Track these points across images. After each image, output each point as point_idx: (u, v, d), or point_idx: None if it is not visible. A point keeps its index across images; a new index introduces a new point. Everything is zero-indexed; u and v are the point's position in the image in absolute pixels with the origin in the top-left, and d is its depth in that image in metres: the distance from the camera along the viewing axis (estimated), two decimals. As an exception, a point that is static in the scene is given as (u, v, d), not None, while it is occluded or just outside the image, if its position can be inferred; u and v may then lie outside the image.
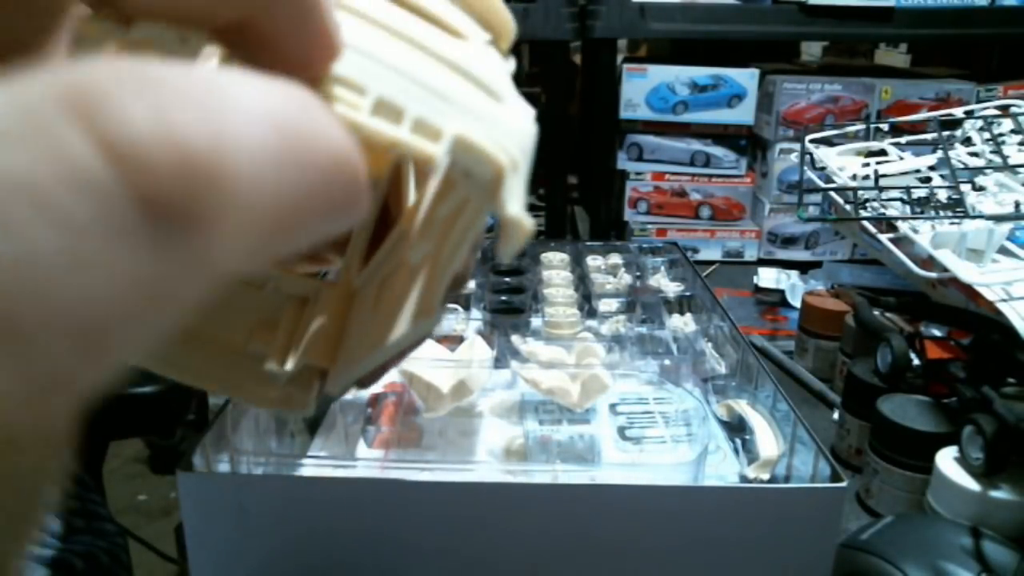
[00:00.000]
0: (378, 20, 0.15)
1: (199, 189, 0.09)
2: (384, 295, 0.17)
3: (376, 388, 0.57)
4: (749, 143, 1.18)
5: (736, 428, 0.55)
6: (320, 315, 0.17)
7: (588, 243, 0.93)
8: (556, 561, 0.43)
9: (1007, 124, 0.65)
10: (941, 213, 0.58)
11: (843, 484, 0.41)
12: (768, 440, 0.51)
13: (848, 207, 0.61)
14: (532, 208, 1.39)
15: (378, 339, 0.15)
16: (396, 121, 0.14)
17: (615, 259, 0.86)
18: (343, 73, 0.14)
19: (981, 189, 0.60)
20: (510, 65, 0.17)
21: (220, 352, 0.17)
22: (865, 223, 0.59)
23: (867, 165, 0.65)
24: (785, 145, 1.13)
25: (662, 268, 0.86)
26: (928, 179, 0.63)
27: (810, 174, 0.66)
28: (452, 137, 0.14)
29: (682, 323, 0.72)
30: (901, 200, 0.61)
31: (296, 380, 0.17)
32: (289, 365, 0.16)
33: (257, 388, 0.17)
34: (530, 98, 0.16)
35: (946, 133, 0.66)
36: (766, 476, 0.50)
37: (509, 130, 0.15)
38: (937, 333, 0.65)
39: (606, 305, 0.75)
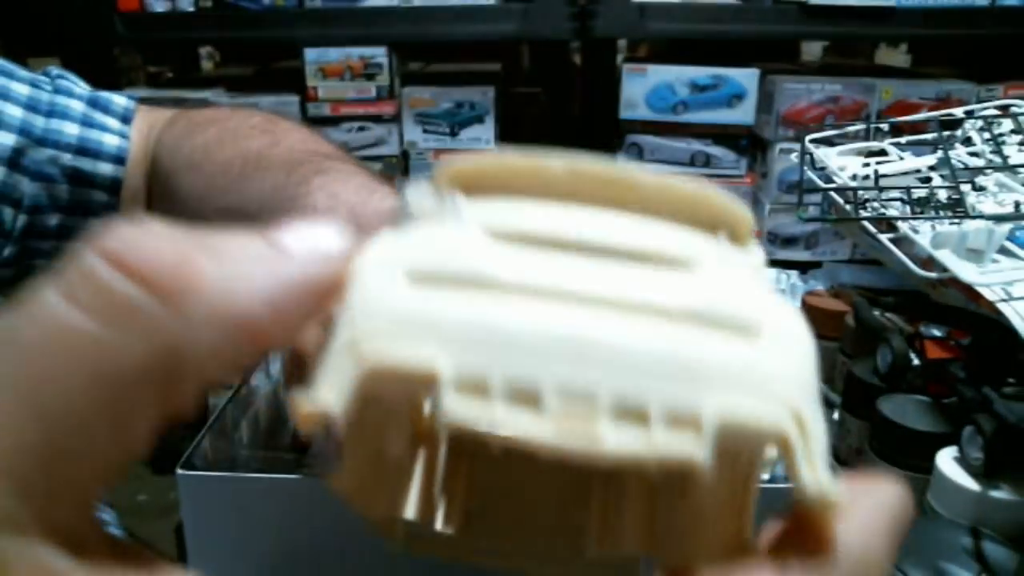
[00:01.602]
0: (570, 289, 0.12)
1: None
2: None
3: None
4: (749, 143, 1.18)
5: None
6: (630, 496, 0.14)
7: (588, 243, 0.93)
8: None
9: (1007, 124, 0.65)
10: (941, 213, 0.58)
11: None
12: (768, 440, 0.51)
13: (848, 207, 0.61)
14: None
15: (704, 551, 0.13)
16: (642, 424, 0.11)
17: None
18: (563, 378, 0.11)
19: (981, 189, 0.60)
20: (755, 256, 0.14)
21: (530, 531, 0.14)
22: (865, 223, 0.59)
23: (867, 165, 0.65)
24: (785, 145, 1.13)
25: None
26: (928, 179, 0.63)
27: (810, 174, 0.66)
28: (712, 426, 0.11)
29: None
30: (901, 200, 0.61)
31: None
32: (610, 547, 0.13)
33: (573, 567, 0.15)
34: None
35: (946, 133, 0.66)
36: (766, 476, 0.50)
37: (778, 374, 0.12)
38: (937, 333, 0.65)
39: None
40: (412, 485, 0.12)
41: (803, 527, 0.13)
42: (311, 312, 0.12)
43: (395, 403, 0.12)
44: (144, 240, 0.11)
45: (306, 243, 0.13)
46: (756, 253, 0.15)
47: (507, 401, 0.11)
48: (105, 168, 0.43)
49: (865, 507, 0.13)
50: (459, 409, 0.11)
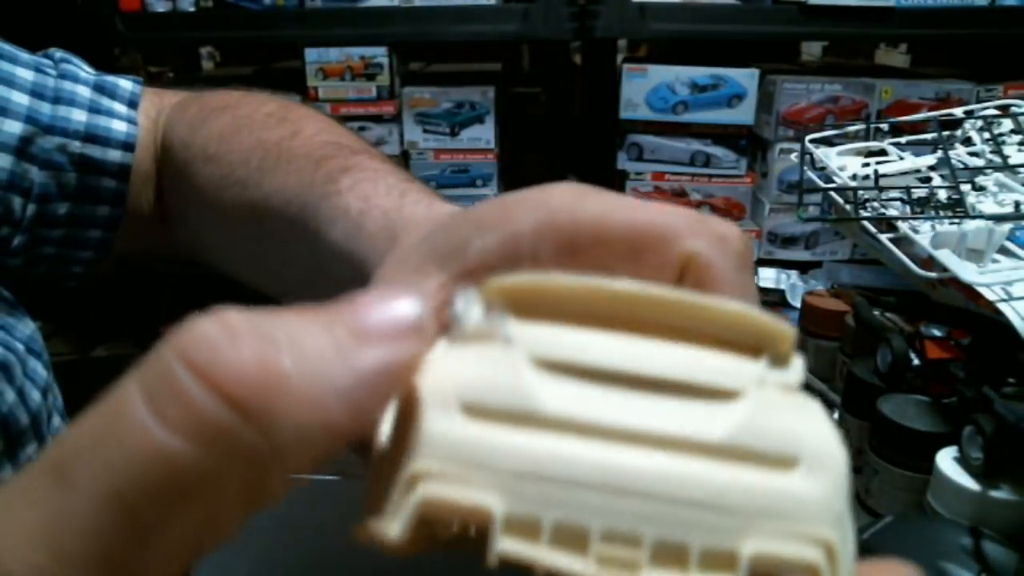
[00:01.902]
0: (617, 426, 0.13)
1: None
2: None
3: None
4: (749, 143, 1.18)
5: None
6: None
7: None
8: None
9: (1007, 124, 0.65)
10: (941, 213, 0.58)
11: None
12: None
13: (848, 207, 0.61)
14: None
15: None
16: (682, 566, 0.12)
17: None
18: (607, 520, 0.12)
19: (981, 189, 0.60)
20: (794, 372, 0.15)
21: None
22: (865, 223, 0.59)
23: (867, 165, 0.65)
24: (785, 145, 1.13)
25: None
26: (928, 179, 0.63)
27: (810, 174, 0.66)
28: (747, 564, 0.12)
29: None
30: (901, 200, 0.61)
31: None
32: None
33: None
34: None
35: (946, 133, 0.66)
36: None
37: (812, 505, 0.13)
38: (937, 333, 0.65)
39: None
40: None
41: None
42: (389, 396, 0.13)
43: (450, 524, 0.13)
44: (228, 349, 0.11)
45: (384, 325, 0.13)
46: (796, 368, 0.15)
47: (554, 541, 0.12)
48: (114, 155, 0.43)
49: None
50: (509, 547, 0.12)
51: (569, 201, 0.21)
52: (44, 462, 0.12)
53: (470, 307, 0.15)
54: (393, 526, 0.12)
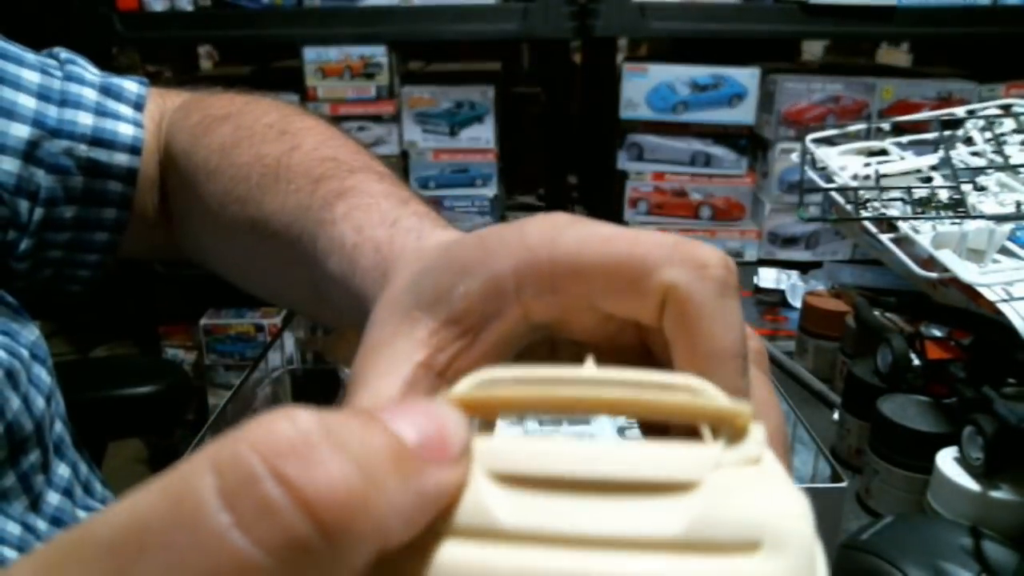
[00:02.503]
0: (583, 532, 0.13)
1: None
2: None
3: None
4: (749, 143, 1.18)
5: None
6: None
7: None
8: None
9: (1009, 124, 0.65)
10: (942, 213, 0.58)
11: (843, 484, 0.41)
12: (768, 440, 0.51)
13: (849, 207, 0.61)
14: (532, 208, 1.39)
15: None
16: None
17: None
18: None
19: (982, 189, 0.60)
20: (752, 444, 0.15)
21: None
22: (866, 223, 0.59)
23: (868, 165, 0.65)
24: (786, 145, 1.13)
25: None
26: (929, 179, 0.63)
27: (811, 174, 0.66)
28: None
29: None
30: (902, 200, 0.61)
31: None
32: None
33: None
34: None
35: (947, 133, 0.66)
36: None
37: None
38: (937, 333, 0.65)
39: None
40: None
41: None
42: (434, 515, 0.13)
43: None
44: (318, 464, 0.11)
45: (435, 445, 0.13)
46: (755, 439, 0.15)
47: None
48: (121, 158, 0.43)
49: None
50: None
51: (547, 238, 0.20)
52: (96, 543, 0.11)
53: None
54: None
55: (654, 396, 0.15)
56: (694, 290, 0.19)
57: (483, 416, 0.16)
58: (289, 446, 0.11)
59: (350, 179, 0.32)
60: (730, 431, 0.15)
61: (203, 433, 0.44)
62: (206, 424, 0.45)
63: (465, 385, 0.16)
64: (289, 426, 0.11)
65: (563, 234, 0.20)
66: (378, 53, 1.19)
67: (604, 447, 0.14)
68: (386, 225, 0.28)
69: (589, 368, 0.17)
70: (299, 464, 0.11)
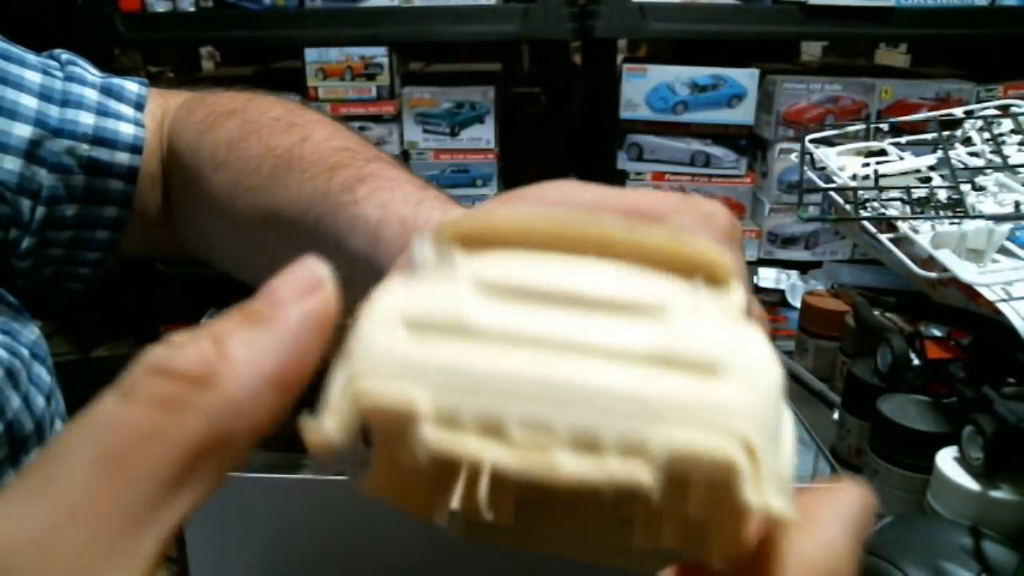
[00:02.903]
0: (544, 335, 0.13)
1: None
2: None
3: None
4: (749, 143, 1.18)
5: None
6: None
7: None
8: (556, 561, 0.43)
9: (1007, 124, 0.65)
10: (941, 213, 0.58)
11: (843, 484, 0.41)
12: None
13: (848, 207, 0.61)
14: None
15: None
16: (595, 453, 0.13)
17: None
18: (526, 414, 0.13)
19: (981, 189, 0.60)
20: (733, 298, 0.15)
21: (581, 521, 0.16)
22: (865, 223, 0.59)
23: (867, 165, 0.65)
24: (785, 145, 1.13)
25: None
26: (928, 179, 0.63)
27: (810, 174, 0.66)
28: (659, 455, 0.12)
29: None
30: (901, 200, 0.61)
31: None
32: (652, 542, 0.15)
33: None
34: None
35: (946, 133, 0.66)
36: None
37: (731, 408, 0.13)
38: (937, 333, 0.65)
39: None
40: (458, 479, 0.13)
41: (762, 548, 0.14)
42: (322, 340, 0.14)
43: (394, 429, 0.13)
44: (176, 349, 0.14)
45: (294, 286, 0.15)
46: (735, 294, 0.15)
47: (477, 433, 0.13)
48: (122, 157, 0.43)
49: (825, 519, 0.14)
50: (433, 436, 0.13)
51: (566, 193, 0.22)
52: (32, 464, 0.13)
53: (423, 247, 0.16)
54: (330, 422, 0.13)
55: (647, 232, 0.15)
56: (702, 234, 0.21)
57: (477, 244, 0.16)
58: (157, 351, 0.14)
59: (368, 167, 0.33)
60: (711, 278, 0.15)
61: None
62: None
63: (457, 218, 0.16)
64: (160, 345, 0.14)
65: (580, 190, 0.22)
66: (379, 54, 1.19)
67: (589, 269, 0.15)
68: (411, 203, 0.29)
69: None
70: (163, 355, 0.14)
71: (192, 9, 1.17)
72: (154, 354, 0.14)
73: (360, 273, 0.29)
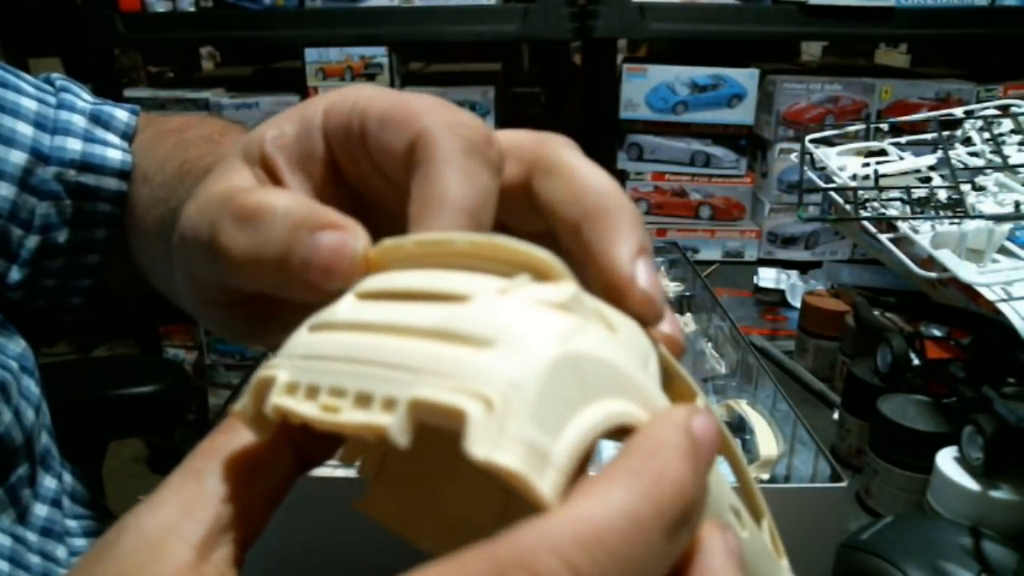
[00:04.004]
0: (372, 321, 0.17)
1: None
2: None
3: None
4: (749, 143, 1.18)
5: (736, 428, 0.55)
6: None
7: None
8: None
9: (1007, 124, 0.65)
10: (941, 213, 0.58)
11: (843, 484, 0.41)
12: (768, 440, 0.51)
13: (848, 207, 0.61)
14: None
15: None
16: (367, 406, 0.15)
17: (615, 259, 0.86)
18: (334, 380, 0.16)
19: (981, 189, 0.60)
20: (556, 292, 0.16)
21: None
22: (865, 223, 0.59)
23: (867, 165, 0.65)
24: (785, 145, 1.13)
25: (662, 268, 0.86)
26: (928, 179, 0.63)
27: (810, 174, 0.66)
28: (406, 403, 0.15)
29: (682, 323, 0.72)
30: (901, 200, 0.61)
31: None
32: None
33: None
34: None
35: (946, 133, 0.66)
36: (766, 476, 0.50)
37: (484, 370, 0.14)
38: (937, 333, 0.65)
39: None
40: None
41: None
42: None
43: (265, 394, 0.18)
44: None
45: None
46: (562, 290, 0.17)
47: (304, 395, 0.16)
48: (110, 183, 0.43)
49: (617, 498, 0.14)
50: (277, 400, 0.16)
51: (351, 92, 0.23)
52: None
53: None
54: (244, 399, 0.17)
55: (477, 239, 0.18)
56: (440, 140, 0.20)
57: (382, 267, 0.20)
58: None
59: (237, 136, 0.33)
60: (540, 274, 0.17)
61: (204, 433, 0.44)
62: (207, 424, 0.45)
63: (379, 245, 0.20)
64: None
65: (361, 90, 0.23)
66: (379, 54, 1.19)
67: (435, 274, 0.18)
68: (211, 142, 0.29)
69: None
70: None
71: (192, 9, 1.17)
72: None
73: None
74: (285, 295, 0.22)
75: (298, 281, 0.20)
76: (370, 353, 0.16)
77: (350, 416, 0.15)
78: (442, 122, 0.20)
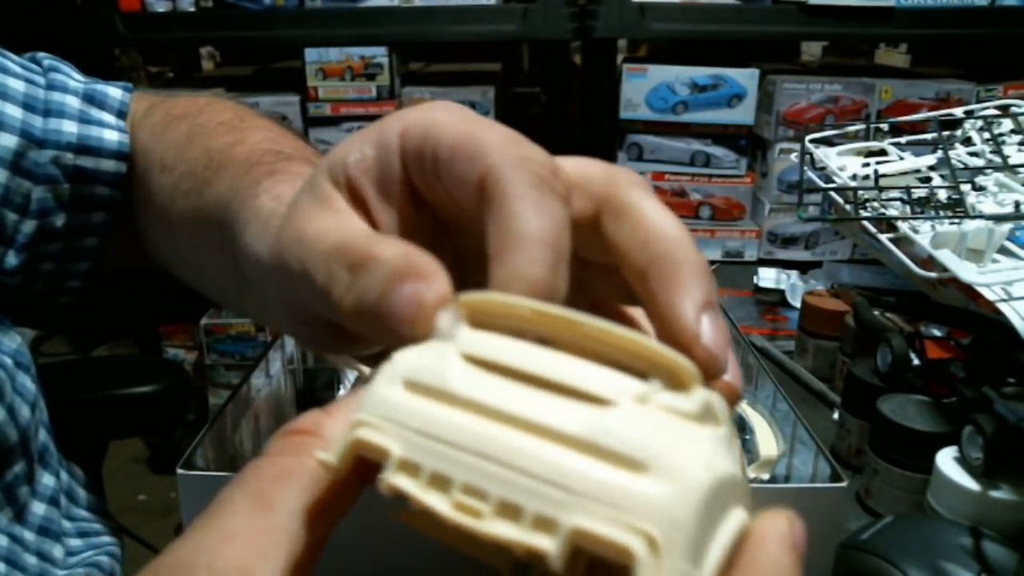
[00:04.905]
0: (502, 409, 0.16)
1: None
2: None
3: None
4: (749, 143, 1.19)
5: (736, 428, 0.55)
6: None
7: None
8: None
9: (1007, 124, 0.65)
10: (941, 213, 0.58)
11: (843, 484, 0.41)
12: (768, 440, 0.51)
13: (848, 207, 0.61)
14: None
15: None
16: (515, 520, 0.15)
17: (615, 259, 0.86)
18: (470, 477, 0.15)
19: (981, 189, 0.60)
20: (690, 402, 0.16)
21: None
22: (865, 223, 0.59)
23: (867, 165, 0.65)
24: (785, 145, 1.13)
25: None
26: (928, 179, 0.63)
27: (810, 174, 0.66)
28: (568, 530, 0.14)
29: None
30: (901, 200, 0.61)
31: None
32: None
33: None
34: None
35: (946, 133, 0.66)
36: (766, 476, 0.50)
37: (645, 503, 0.14)
38: (937, 333, 0.65)
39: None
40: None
41: None
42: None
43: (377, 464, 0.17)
44: (300, 419, 0.19)
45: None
46: (695, 399, 0.16)
47: (427, 484, 0.16)
48: (108, 164, 0.42)
49: (768, 538, 0.16)
50: (394, 480, 0.16)
51: (422, 113, 0.23)
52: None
53: (443, 318, 0.19)
54: (331, 455, 0.17)
55: (618, 331, 0.17)
56: (508, 172, 0.20)
57: (484, 318, 0.19)
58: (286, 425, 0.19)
59: (282, 163, 0.32)
60: (669, 381, 0.16)
61: (203, 433, 0.44)
62: (206, 424, 0.45)
63: (472, 294, 0.19)
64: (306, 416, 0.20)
65: (434, 112, 0.22)
66: (379, 54, 1.19)
67: (559, 357, 0.17)
68: None
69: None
70: (290, 424, 0.19)
71: (192, 9, 1.17)
72: (286, 424, 0.18)
73: (249, 268, 0.28)
74: (380, 341, 0.23)
75: (384, 330, 0.21)
76: (510, 455, 0.15)
77: (498, 528, 0.15)
78: (510, 158, 0.20)
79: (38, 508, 0.44)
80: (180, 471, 0.41)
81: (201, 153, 0.37)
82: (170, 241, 0.40)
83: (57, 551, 0.44)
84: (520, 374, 0.17)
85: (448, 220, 0.24)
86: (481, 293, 0.19)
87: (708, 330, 0.19)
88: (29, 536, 0.42)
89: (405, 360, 0.18)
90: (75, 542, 0.47)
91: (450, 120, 0.22)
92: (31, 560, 0.42)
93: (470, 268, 0.24)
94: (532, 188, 0.20)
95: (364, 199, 0.23)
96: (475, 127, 0.21)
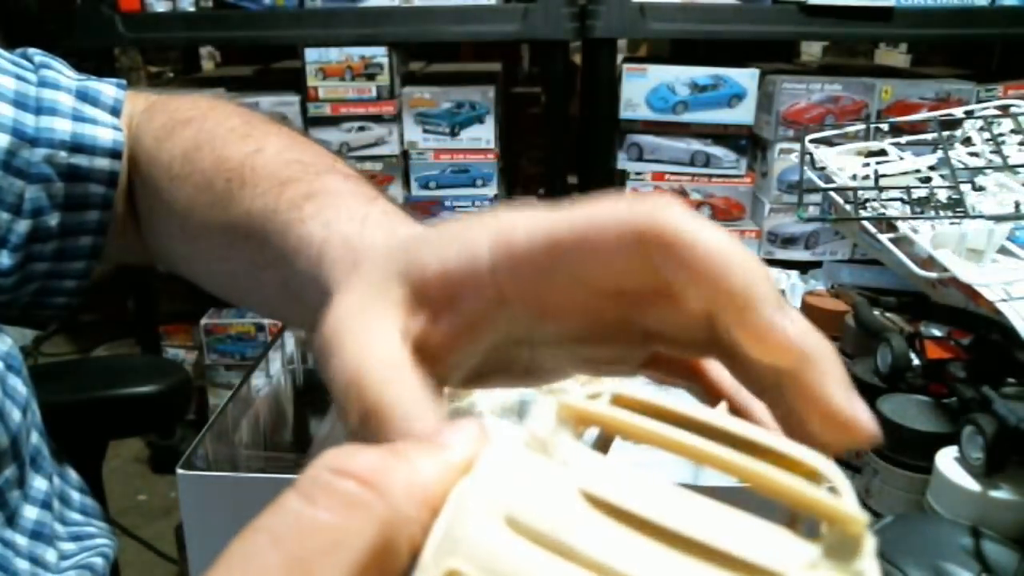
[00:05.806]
0: None
1: None
2: None
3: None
4: (749, 143, 1.19)
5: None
6: None
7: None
8: None
9: (1007, 124, 0.65)
10: (941, 213, 0.58)
11: (843, 484, 0.41)
12: (768, 440, 0.51)
13: (848, 207, 0.61)
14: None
15: None
16: None
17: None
18: None
19: (981, 189, 0.60)
20: (862, 563, 0.13)
21: None
22: (865, 223, 0.59)
23: (867, 165, 0.65)
24: (785, 145, 1.13)
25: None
26: (928, 179, 0.63)
27: (810, 174, 0.66)
28: None
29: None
30: (901, 200, 0.61)
31: None
32: None
33: None
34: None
35: (946, 133, 0.66)
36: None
37: None
38: (937, 333, 0.65)
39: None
40: None
41: None
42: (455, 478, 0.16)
43: None
44: (355, 455, 0.16)
45: (461, 435, 0.17)
46: (864, 558, 0.13)
47: None
48: (102, 163, 0.42)
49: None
50: None
51: (522, 216, 0.21)
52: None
53: (542, 416, 0.16)
54: None
55: (771, 473, 0.14)
56: (697, 227, 0.19)
57: (592, 426, 0.16)
58: (342, 454, 0.16)
59: (317, 181, 0.32)
60: (836, 536, 0.14)
61: (203, 433, 0.44)
62: (206, 424, 0.45)
63: (582, 394, 0.16)
64: (347, 450, 0.16)
65: (536, 214, 0.20)
66: (379, 54, 1.19)
67: (703, 504, 0.14)
68: (355, 220, 0.28)
69: (719, 413, 0.16)
70: (344, 457, 0.15)
71: (192, 9, 1.17)
72: (333, 455, 0.16)
73: (308, 292, 0.28)
74: None
75: None
76: None
77: None
78: (682, 215, 0.19)
79: (30, 512, 0.43)
80: (180, 471, 0.41)
81: (216, 162, 0.36)
82: (187, 248, 0.40)
83: (50, 555, 0.44)
84: (654, 528, 0.14)
85: (539, 314, 0.22)
86: (589, 401, 0.16)
87: (861, 411, 0.19)
88: (21, 540, 0.42)
89: (506, 484, 0.15)
90: (68, 546, 0.46)
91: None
92: (23, 565, 0.42)
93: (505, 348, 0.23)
94: (721, 237, 0.19)
95: (438, 313, 0.21)
96: (599, 207, 0.20)
